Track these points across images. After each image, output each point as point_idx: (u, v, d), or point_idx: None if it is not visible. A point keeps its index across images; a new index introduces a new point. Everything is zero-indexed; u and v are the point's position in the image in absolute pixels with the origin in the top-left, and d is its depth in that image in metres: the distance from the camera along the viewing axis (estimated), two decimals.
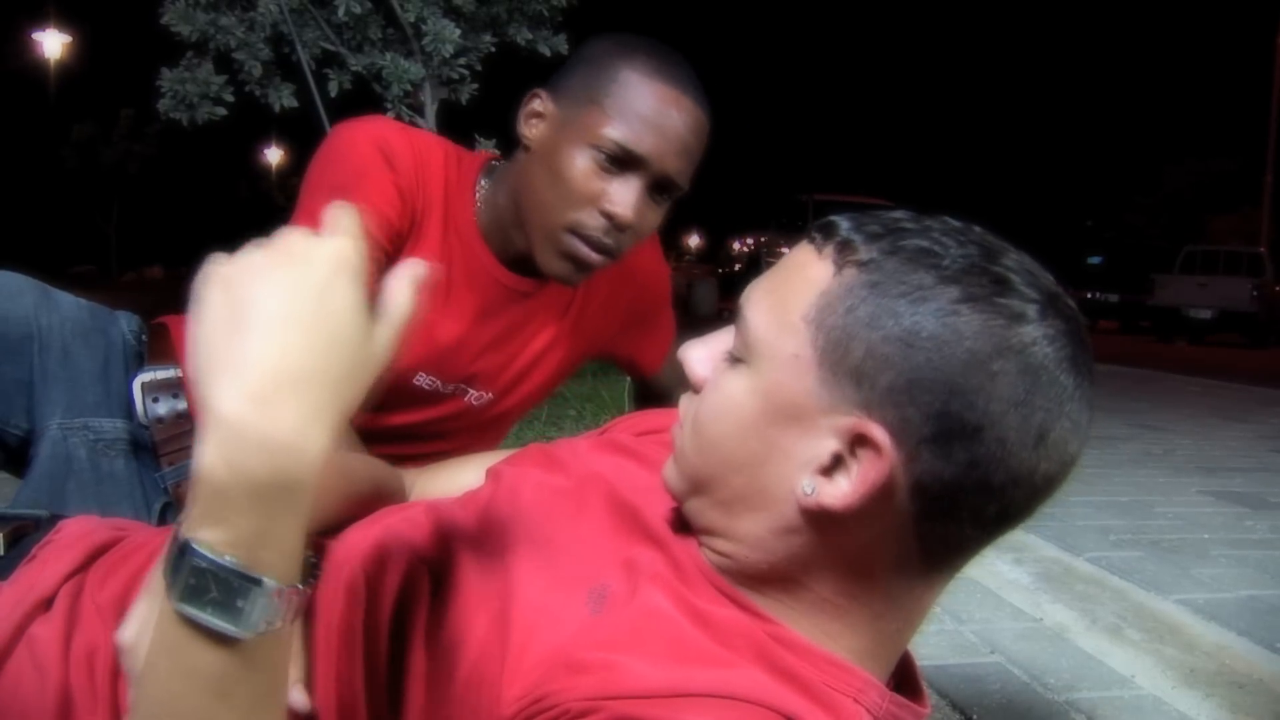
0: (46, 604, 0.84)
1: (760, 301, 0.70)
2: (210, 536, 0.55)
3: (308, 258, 0.58)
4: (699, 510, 0.73)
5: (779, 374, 0.67)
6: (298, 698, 0.73)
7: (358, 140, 1.27)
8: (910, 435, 0.63)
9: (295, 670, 0.73)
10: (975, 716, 1.60)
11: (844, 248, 0.67)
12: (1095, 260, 22.44)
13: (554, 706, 0.63)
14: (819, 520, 0.67)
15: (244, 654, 0.57)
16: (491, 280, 1.33)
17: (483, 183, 1.34)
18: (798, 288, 0.68)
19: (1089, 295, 20.02)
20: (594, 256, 1.23)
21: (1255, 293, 16.89)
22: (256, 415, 0.54)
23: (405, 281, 0.63)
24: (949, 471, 0.63)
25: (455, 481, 1.00)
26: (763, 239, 17.58)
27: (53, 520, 0.95)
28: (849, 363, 0.64)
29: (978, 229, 0.69)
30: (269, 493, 0.55)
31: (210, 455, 0.55)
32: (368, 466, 0.98)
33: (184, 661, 0.57)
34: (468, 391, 1.40)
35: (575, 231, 1.22)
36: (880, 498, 0.64)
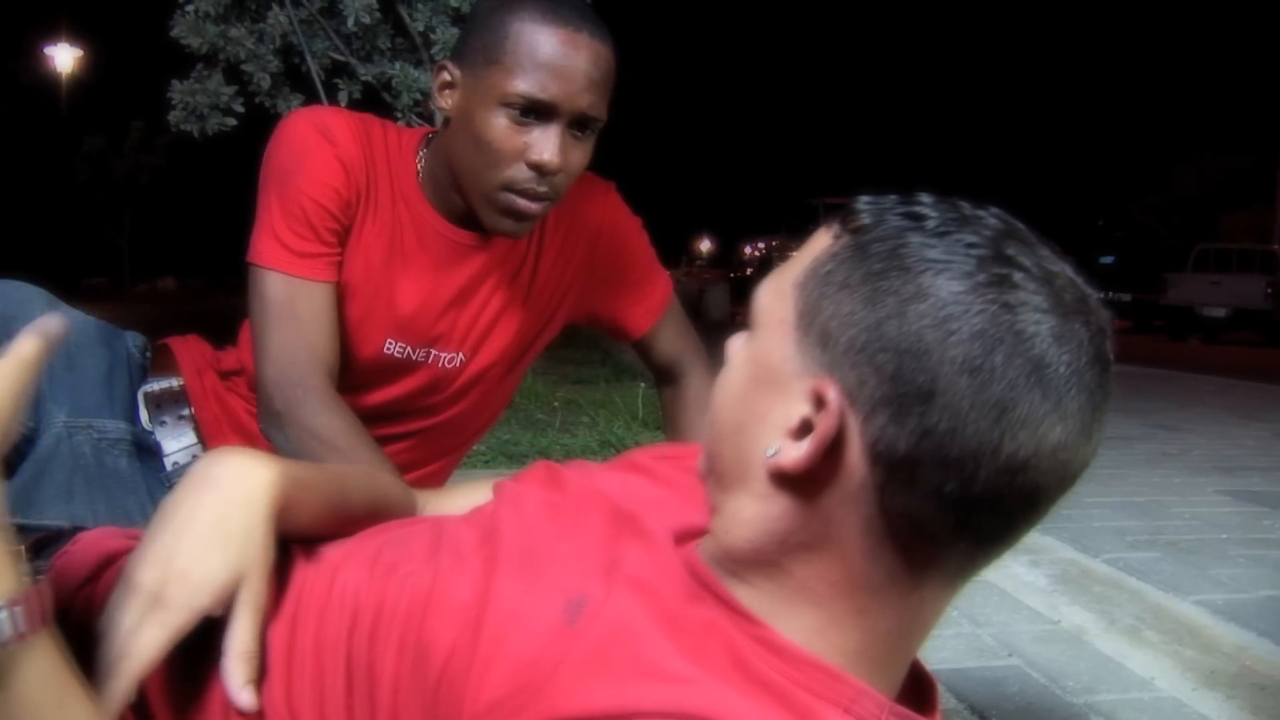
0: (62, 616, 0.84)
1: (772, 275, 0.71)
2: None
3: None
4: (709, 491, 0.73)
5: (766, 339, 0.68)
6: (247, 699, 0.72)
7: (296, 126, 1.34)
8: (865, 396, 0.61)
9: (246, 671, 0.73)
10: None
11: (848, 217, 0.66)
12: (1107, 260, 22.37)
13: None
14: (784, 485, 0.65)
15: None
16: (441, 238, 1.38)
17: (422, 153, 1.39)
18: (800, 258, 0.68)
19: (1101, 295, 19.89)
20: (533, 206, 1.28)
21: (1269, 290, 16.81)
22: None
23: (32, 335, 0.65)
24: (904, 438, 0.60)
25: (467, 501, 1.00)
26: (774, 243, 17.60)
27: (73, 531, 0.96)
28: (819, 323, 0.64)
29: (996, 209, 0.67)
30: None
31: None
32: (369, 481, 0.98)
33: None
34: (439, 355, 1.43)
35: (509, 188, 1.26)
36: (833, 458, 0.62)
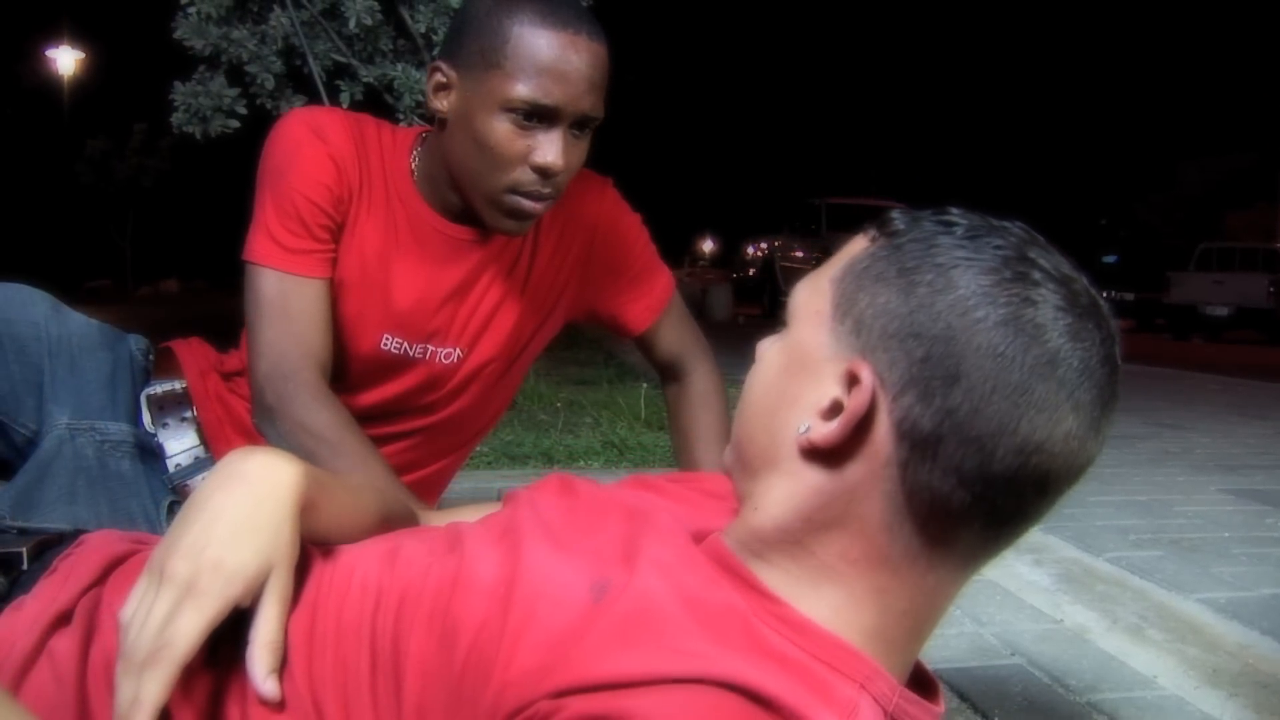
0: (66, 617, 0.84)
1: (808, 276, 0.77)
2: None
3: None
4: (737, 481, 0.78)
5: (802, 330, 0.74)
6: (270, 688, 0.74)
7: (290, 125, 1.36)
8: (895, 378, 0.67)
9: (270, 660, 0.75)
10: (997, 719, 1.59)
11: (883, 224, 0.73)
12: (1110, 259, 22.28)
13: (529, 704, 0.64)
14: (813, 460, 0.70)
15: None
16: (437, 234, 1.39)
17: (417, 151, 1.40)
18: (836, 259, 0.74)
19: (1104, 294, 19.81)
20: (536, 206, 1.30)
21: (1272, 289, 16.80)
22: None
23: None
24: (929, 417, 0.66)
25: (475, 515, 1.01)
26: (776, 243, 17.50)
27: (75, 534, 0.96)
28: (854, 313, 0.70)
29: (1019, 223, 0.73)
30: None
31: None
32: (381, 493, 1.00)
33: None
34: (436, 351, 1.43)
35: (514, 190, 1.28)
36: (862, 435, 0.68)
